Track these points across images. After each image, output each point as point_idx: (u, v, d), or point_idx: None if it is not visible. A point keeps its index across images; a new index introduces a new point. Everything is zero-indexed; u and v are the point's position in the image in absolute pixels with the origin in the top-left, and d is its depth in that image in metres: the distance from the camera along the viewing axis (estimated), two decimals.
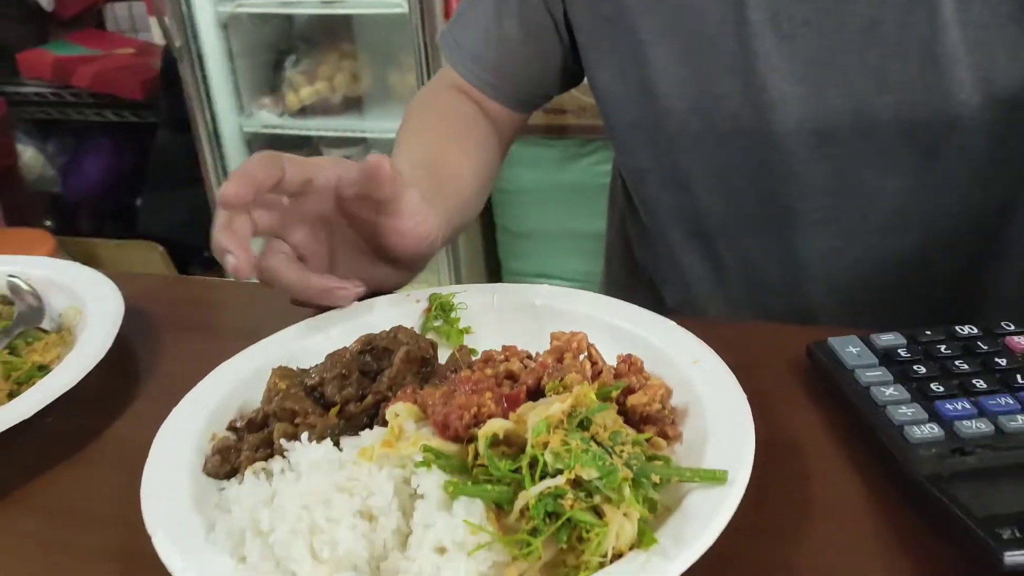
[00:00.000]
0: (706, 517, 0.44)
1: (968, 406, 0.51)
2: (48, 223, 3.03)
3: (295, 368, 0.57)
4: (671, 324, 0.61)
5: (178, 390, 0.58)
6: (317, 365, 0.56)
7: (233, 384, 0.58)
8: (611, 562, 0.43)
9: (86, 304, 0.68)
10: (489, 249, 2.54)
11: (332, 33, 2.57)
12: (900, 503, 0.49)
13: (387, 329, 0.58)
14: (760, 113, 0.77)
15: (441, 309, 0.64)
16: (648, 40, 0.78)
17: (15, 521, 0.53)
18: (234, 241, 0.59)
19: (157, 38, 2.98)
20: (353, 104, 2.60)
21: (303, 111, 2.57)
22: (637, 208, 0.93)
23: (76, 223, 3.11)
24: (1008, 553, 0.41)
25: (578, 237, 2.32)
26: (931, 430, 0.50)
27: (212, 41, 2.47)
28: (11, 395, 0.60)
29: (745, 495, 0.46)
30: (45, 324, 0.68)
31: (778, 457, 0.53)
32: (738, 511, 0.45)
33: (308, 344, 0.61)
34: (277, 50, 2.64)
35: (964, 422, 0.50)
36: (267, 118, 2.59)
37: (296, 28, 2.62)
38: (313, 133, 2.57)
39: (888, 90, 0.74)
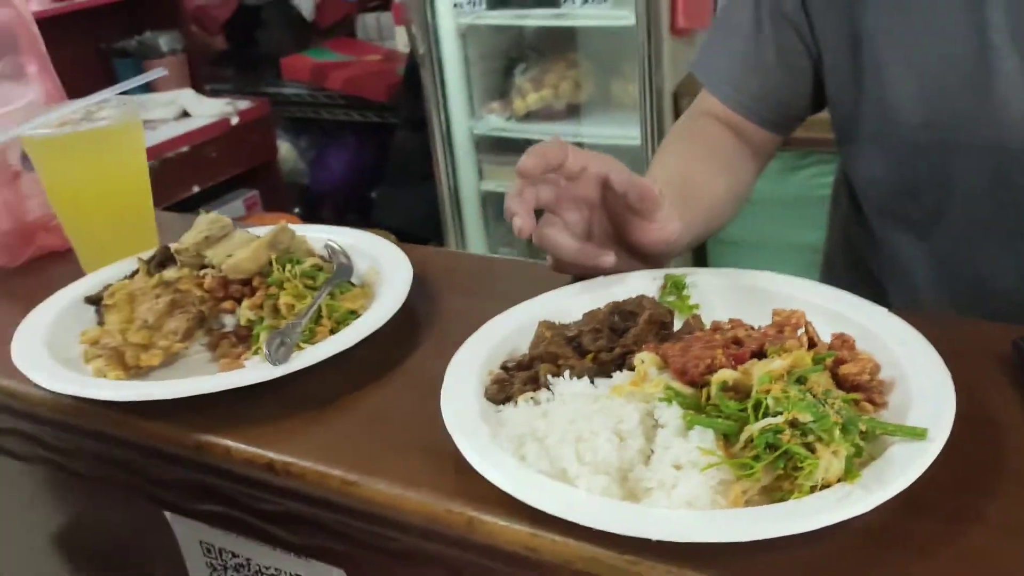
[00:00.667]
0: (905, 463, 0.53)
1: None
2: (297, 211, 3.40)
3: (557, 323, 0.70)
4: (882, 310, 0.69)
5: (456, 338, 0.72)
6: (575, 321, 0.69)
7: (504, 334, 0.71)
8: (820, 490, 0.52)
9: (382, 266, 0.85)
10: (698, 259, 2.60)
11: (560, 43, 2.73)
12: None
13: (633, 296, 0.70)
14: (999, 129, 0.82)
15: (674, 286, 0.75)
16: (888, 59, 0.85)
17: (341, 424, 0.68)
18: (522, 207, 0.73)
19: (400, 46, 3.28)
20: (575, 111, 2.75)
21: (528, 116, 2.75)
22: (865, 214, 0.99)
23: (320, 212, 3.47)
24: None
25: (790, 248, 2.34)
26: None
27: (451, 49, 2.70)
28: (332, 331, 0.77)
29: (944, 453, 0.54)
30: (353, 279, 0.85)
31: (977, 428, 0.59)
32: (936, 465, 0.53)
33: (564, 306, 0.74)
34: (508, 58, 2.84)
35: None
36: (495, 122, 2.79)
37: (527, 38, 2.80)
38: (537, 136, 2.74)
39: None
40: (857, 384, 0.61)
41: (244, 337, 0.78)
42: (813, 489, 0.52)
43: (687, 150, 0.97)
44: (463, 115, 2.79)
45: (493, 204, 2.94)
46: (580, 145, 2.72)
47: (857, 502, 0.51)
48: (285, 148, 3.46)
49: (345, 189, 3.44)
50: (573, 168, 0.75)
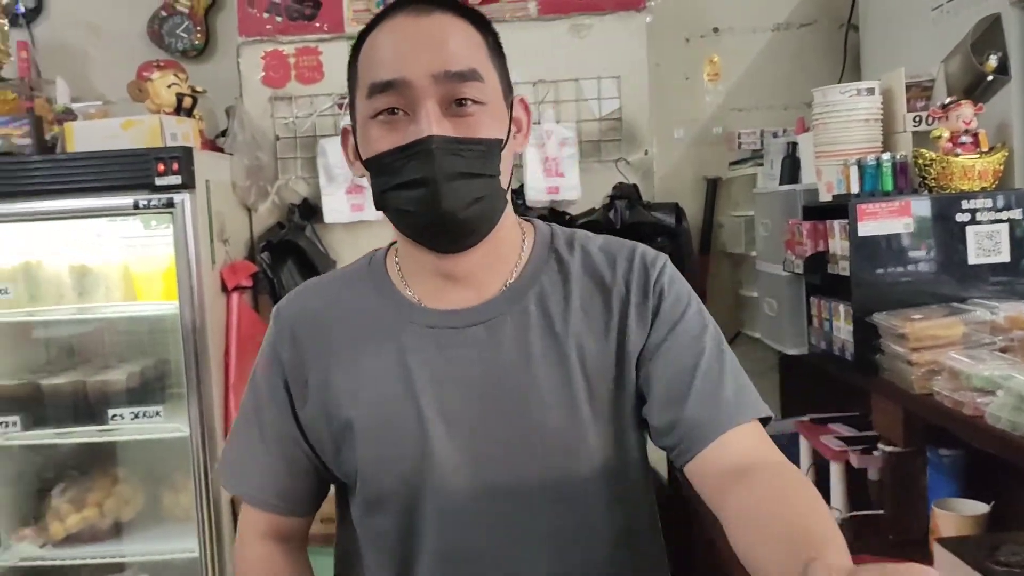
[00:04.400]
0: None
1: None
2: None
3: None
4: None
5: None
6: None
7: None
8: None
9: None
10: None
11: (105, 458, 2.63)
12: None
13: None
14: (440, 480, 1.03)
15: None
16: (359, 437, 1.05)
17: None
18: None
19: None
20: (122, 528, 2.60)
21: (67, 539, 2.53)
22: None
23: None
24: None
25: None
26: None
27: None
28: None
29: None
30: None
31: None
32: None
33: None
34: (42, 478, 2.64)
35: None
36: (27, 550, 2.52)
37: (66, 456, 2.65)
38: (80, 561, 2.51)
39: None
40: None
41: None
42: None
43: None
44: None
45: None
46: (131, 566, 2.55)
47: None
48: None
49: None
50: None
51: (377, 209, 1.04)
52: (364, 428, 1.05)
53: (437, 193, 0.96)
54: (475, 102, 0.98)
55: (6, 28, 2.88)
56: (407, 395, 1.05)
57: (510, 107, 1.05)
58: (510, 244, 1.09)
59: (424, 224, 1.00)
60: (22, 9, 3.03)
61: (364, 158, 1.02)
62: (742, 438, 1.00)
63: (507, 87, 1.05)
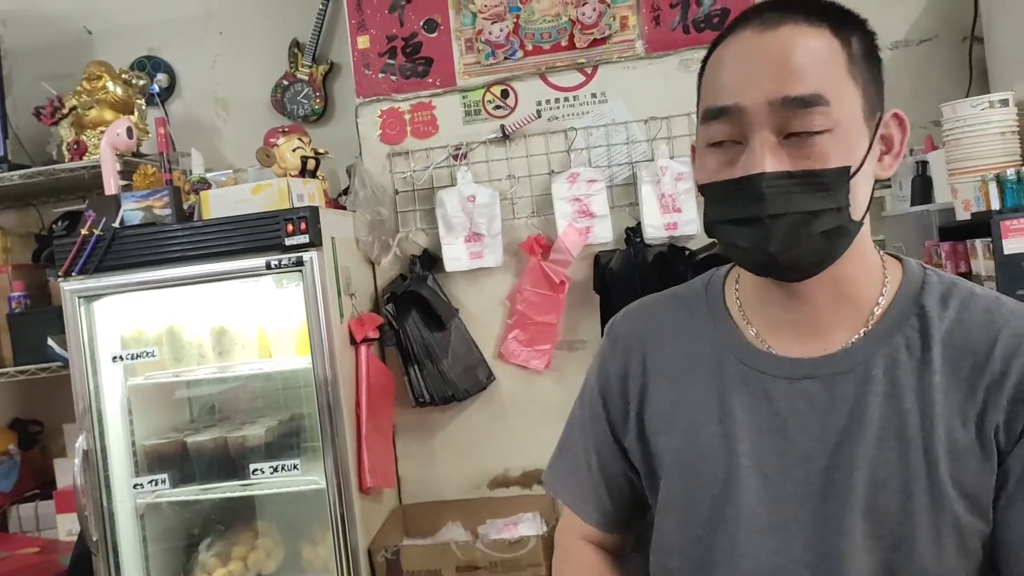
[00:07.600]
0: None
1: None
2: None
3: None
4: None
5: None
6: None
7: None
8: None
9: None
10: None
11: (247, 512, 2.71)
12: None
13: None
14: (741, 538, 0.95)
15: None
16: (668, 465, 1.03)
17: None
18: None
19: (63, 535, 3.03)
20: None
21: None
22: None
23: None
24: None
25: None
26: None
27: (128, 532, 2.57)
28: None
29: None
30: None
31: None
32: None
33: None
34: (190, 534, 2.74)
35: None
36: None
37: (210, 510, 2.75)
38: None
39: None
40: None
41: None
42: None
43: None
44: None
45: None
46: None
47: None
48: None
49: None
50: None
51: (707, 235, 0.98)
52: (672, 458, 1.02)
53: (766, 234, 0.87)
54: (819, 131, 0.86)
55: (144, 107, 3.08)
56: (724, 435, 0.97)
57: (876, 124, 0.91)
58: (864, 285, 0.96)
59: (753, 261, 0.93)
60: (156, 89, 3.23)
61: (699, 182, 0.95)
62: None
63: (873, 100, 0.91)
